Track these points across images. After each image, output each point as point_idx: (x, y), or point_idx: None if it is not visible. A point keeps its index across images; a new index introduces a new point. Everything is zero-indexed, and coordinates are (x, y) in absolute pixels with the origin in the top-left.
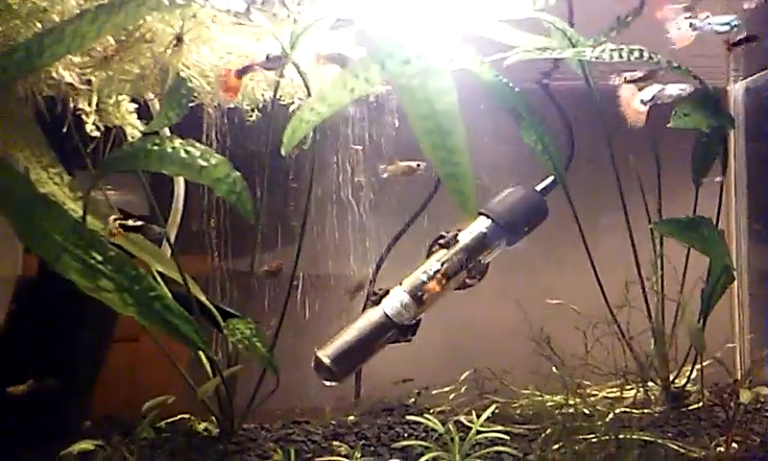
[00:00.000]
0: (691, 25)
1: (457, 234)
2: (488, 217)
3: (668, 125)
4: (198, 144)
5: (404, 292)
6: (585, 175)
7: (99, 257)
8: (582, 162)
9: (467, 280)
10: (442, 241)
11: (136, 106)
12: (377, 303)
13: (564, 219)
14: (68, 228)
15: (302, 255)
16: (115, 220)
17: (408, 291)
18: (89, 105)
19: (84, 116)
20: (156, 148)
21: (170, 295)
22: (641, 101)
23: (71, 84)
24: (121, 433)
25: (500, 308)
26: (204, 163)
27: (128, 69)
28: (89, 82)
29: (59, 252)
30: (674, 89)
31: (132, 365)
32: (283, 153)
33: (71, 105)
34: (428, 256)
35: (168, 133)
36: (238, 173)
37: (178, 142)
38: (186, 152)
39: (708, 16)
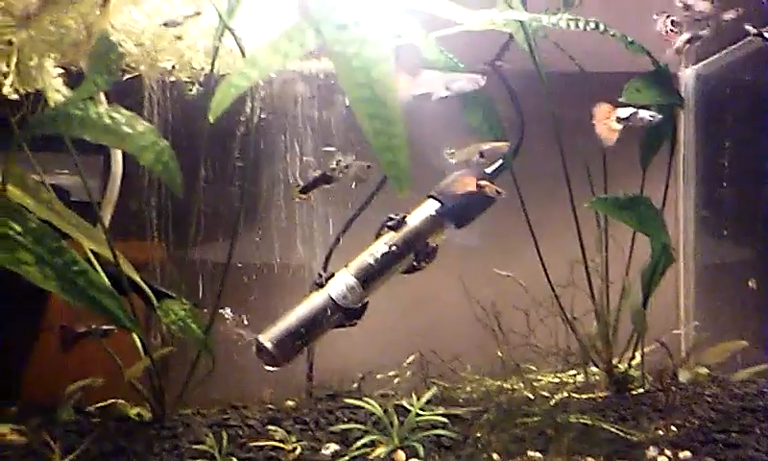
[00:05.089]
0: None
1: (405, 217)
2: (436, 200)
3: (620, 99)
4: (124, 110)
5: (350, 275)
6: (534, 158)
7: (18, 228)
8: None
9: (414, 264)
10: (390, 223)
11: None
12: (322, 286)
13: (515, 202)
14: None
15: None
16: None
17: (354, 274)
18: (8, 66)
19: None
20: (78, 112)
21: (95, 270)
22: (618, 118)
23: None
24: (47, 419)
25: (451, 292)
26: (129, 130)
27: (52, 30)
28: (10, 42)
29: None
30: (646, 114)
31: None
32: (211, 120)
33: None
34: (376, 239)
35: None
36: (166, 142)
37: (102, 108)
38: (111, 117)
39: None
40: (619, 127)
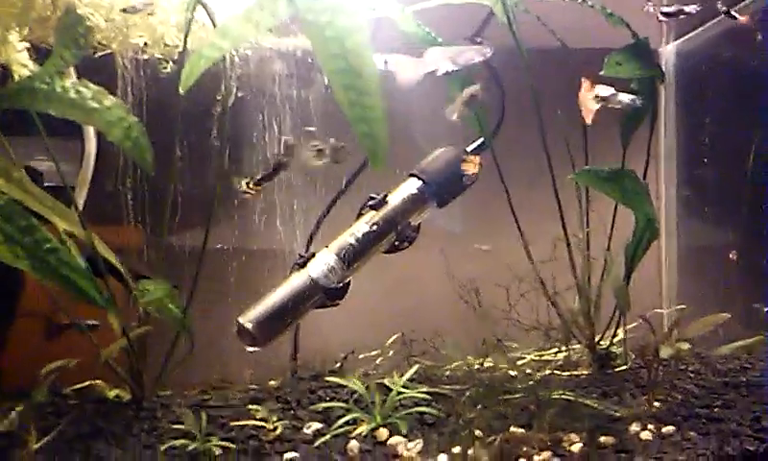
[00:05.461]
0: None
1: (386, 196)
2: (418, 178)
3: (601, 73)
4: (91, 85)
5: (331, 255)
6: (515, 134)
7: None
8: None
9: (396, 243)
10: (371, 203)
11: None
12: (303, 266)
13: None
14: None
15: None
16: None
17: (335, 254)
18: None
19: None
20: (43, 87)
21: (67, 249)
22: (596, 96)
23: None
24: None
25: (433, 271)
26: (96, 105)
27: (17, 2)
28: None
29: None
30: (626, 98)
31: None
32: (181, 91)
33: None
34: (358, 218)
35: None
36: (136, 118)
37: (69, 82)
38: (77, 92)
39: None
40: (597, 106)
